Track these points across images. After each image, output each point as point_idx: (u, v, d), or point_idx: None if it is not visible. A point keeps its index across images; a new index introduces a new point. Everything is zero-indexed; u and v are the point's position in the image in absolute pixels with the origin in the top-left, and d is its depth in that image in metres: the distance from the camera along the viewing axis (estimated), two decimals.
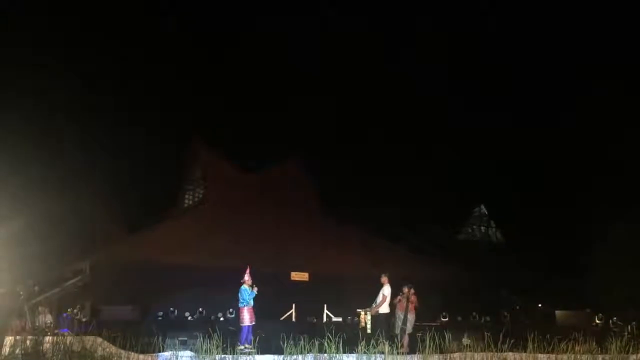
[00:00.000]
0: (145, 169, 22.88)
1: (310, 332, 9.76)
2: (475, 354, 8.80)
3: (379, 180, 25.02)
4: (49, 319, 14.90)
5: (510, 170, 26.52)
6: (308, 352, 8.42)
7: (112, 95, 23.66)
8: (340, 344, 8.42)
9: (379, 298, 12.54)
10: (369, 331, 12.82)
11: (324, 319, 17.07)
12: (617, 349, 8.83)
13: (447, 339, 9.03)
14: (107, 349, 9.28)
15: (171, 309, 16.51)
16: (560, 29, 26.58)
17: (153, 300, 16.88)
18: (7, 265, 12.17)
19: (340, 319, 16.82)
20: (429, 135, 26.54)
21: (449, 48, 27.41)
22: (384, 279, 12.67)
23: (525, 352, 8.92)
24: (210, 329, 9.50)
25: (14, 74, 18.73)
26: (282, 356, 8.78)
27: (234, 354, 9.30)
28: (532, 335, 8.93)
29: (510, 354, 8.80)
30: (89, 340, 9.51)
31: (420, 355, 8.65)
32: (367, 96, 26.82)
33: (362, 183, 24.74)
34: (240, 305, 12.05)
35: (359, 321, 14.14)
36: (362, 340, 8.99)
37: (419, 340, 9.44)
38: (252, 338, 11.10)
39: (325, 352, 8.33)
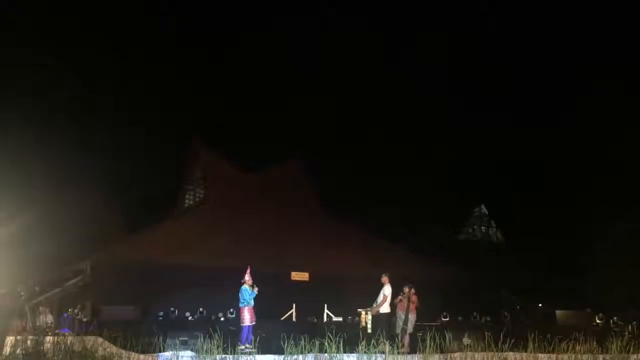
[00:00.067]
0: (145, 169, 22.91)
1: (311, 332, 9.73)
2: (476, 354, 8.78)
3: (378, 180, 25.06)
4: (49, 319, 14.90)
5: (510, 170, 26.54)
6: (308, 352, 8.41)
7: (112, 95, 23.71)
8: (341, 344, 8.41)
9: (380, 298, 12.53)
10: (369, 331, 12.82)
11: (325, 319, 17.08)
12: (618, 348, 8.81)
13: (447, 338, 9.02)
14: (108, 349, 9.28)
15: (172, 309, 16.49)
16: (560, 29, 26.65)
17: (154, 300, 16.85)
18: (8, 265, 12.18)
19: (340, 319, 16.82)
20: (429, 135, 26.59)
21: (449, 48, 27.48)
22: (385, 278, 12.66)
23: (525, 352, 8.90)
24: (210, 329, 9.48)
25: (14, 74, 18.76)
26: (283, 356, 8.76)
27: (234, 354, 9.30)
28: (532, 335, 8.90)
29: (511, 353, 8.79)
30: (90, 340, 9.52)
31: (421, 355, 8.64)
32: (367, 96, 26.88)
33: (362, 183, 24.78)
34: (240, 305, 12.06)
35: (359, 321, 14.15)
36: (363, 340, 8.95)
37: (419, 340, 9.42)
38: (253, 338, 11.11)
39: (325, 352, 8.33)
